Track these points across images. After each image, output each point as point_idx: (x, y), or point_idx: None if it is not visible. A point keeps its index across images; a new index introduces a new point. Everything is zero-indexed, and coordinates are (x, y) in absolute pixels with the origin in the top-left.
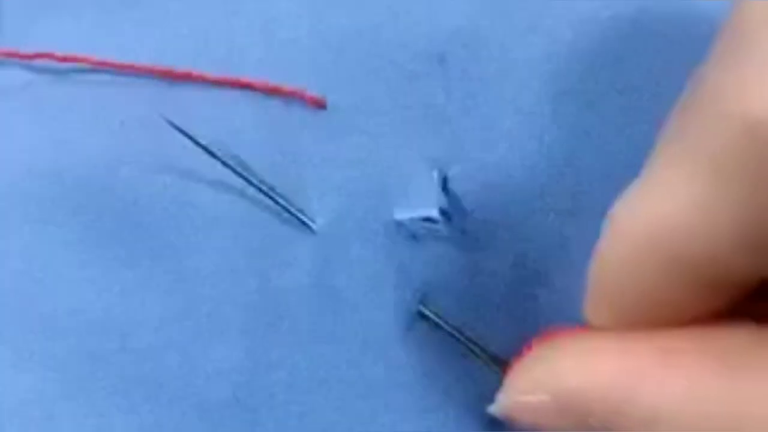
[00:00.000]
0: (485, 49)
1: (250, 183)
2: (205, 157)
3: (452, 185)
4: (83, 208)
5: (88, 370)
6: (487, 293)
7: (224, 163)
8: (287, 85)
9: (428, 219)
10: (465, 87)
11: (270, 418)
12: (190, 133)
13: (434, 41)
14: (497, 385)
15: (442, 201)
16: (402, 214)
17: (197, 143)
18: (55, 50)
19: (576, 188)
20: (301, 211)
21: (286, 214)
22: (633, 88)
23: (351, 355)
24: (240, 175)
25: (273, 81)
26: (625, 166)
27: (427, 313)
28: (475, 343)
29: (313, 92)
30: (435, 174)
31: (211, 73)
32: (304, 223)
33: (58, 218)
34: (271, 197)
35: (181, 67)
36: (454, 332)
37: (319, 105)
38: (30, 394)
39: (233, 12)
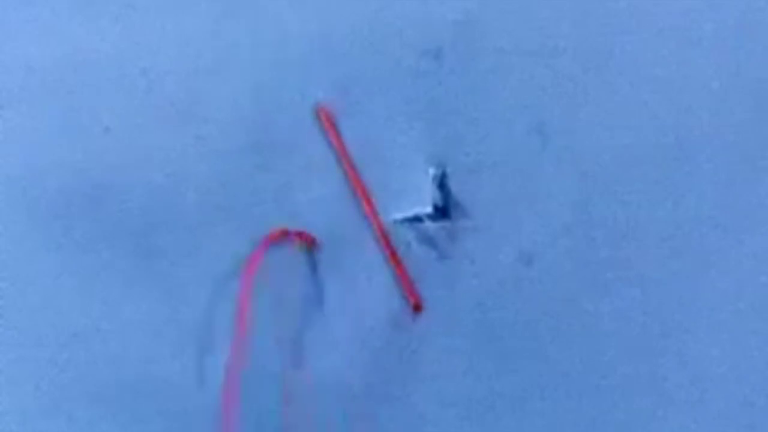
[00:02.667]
0: (481, 43)
1: None
2: (194, 159)
3: (450, 181)
4: (64, 212)
5: (68, 381)
6: (488, 290)
7: None
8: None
9: (423, 217)
10: (461, 82)
11: (256, 425)
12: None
13: (430, 37)
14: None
15: (439, 198)
16: (398, 214)
17: None
18: (28, 41)
19: (577, 180)
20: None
21: (277, 217)
22: (631, 78)
23: (343, 362)
24: None
25: (267, 78)
26: (627, 156)
27: None
28: None
29: (307, 88)
30: (431, 171)
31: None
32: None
33: (39, 222)
34: None
35: (171, 65)
36: None
37: None
38: (4, 408)
39: (227, 11)
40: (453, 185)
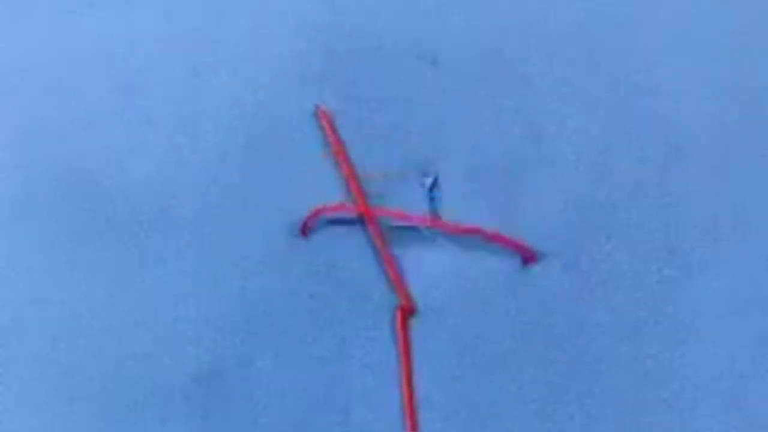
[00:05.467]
0: (478, 49)
1: None
2: (188, 158)
3: (445, 186)
4: (58, 211)
5: (57, 378)
6: (481, 294)
7: None
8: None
9: (419, 221)
10: (458, 88)
11: (243, 419)
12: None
13: (427, 42)
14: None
15: (434, 202)
16: (393, 220)
17: None
18: (22, 38)
19: (572, 185)
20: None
21: (271, 217)
22: (629, 83)
23: (330, 359)
24: None
25: (262, 82)
26: (622, 161)
27: None
28: None
29: (301, 93)
30: (426, 176)
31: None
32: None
33: (32, 220)
34: None
35: (167, 63)
36: None
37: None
38: None
39: (223, 11)
40: (448, 189)
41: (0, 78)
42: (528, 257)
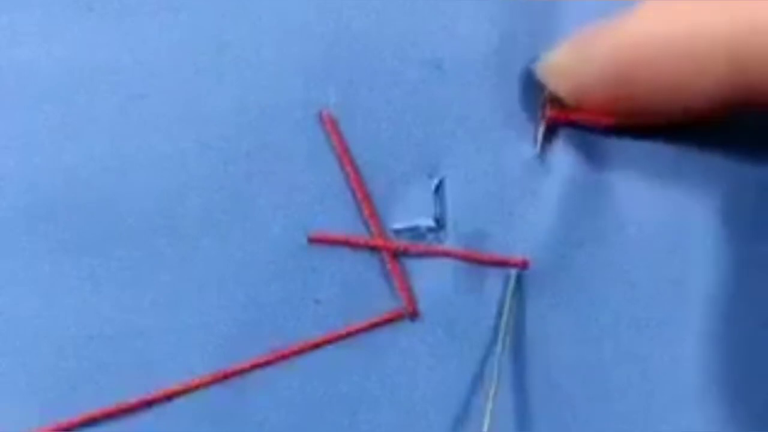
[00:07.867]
0: (482, 55)
1: None
2: (194, 164)
3: (448, 192)
4: (61, 218)
5: (63, 390)
6: (485, 302)
7: None
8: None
9: (423, 226)
10: (462, 93)
11: (248, 425)
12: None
13: (431, 48)
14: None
15: (438, 207)
16: (397, 224)
17: None
18: (24, 43)
19: (573, 191)
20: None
21: (276, 222)
22: None
23: (336, 369)
24: None
25: (264, 86)
26: (622, 168)
27: None
28: None
29: (306, 98)
30: (432, 183)
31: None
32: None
33: (34, 227)
34: None
35: (170, 68)
36: None
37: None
38: None
39: (227, 15)
40: (452, 195)
41: (2, 85)
42: (519, 265)
